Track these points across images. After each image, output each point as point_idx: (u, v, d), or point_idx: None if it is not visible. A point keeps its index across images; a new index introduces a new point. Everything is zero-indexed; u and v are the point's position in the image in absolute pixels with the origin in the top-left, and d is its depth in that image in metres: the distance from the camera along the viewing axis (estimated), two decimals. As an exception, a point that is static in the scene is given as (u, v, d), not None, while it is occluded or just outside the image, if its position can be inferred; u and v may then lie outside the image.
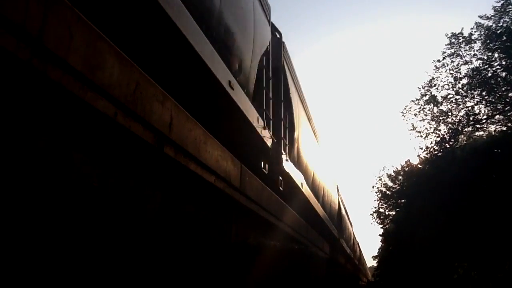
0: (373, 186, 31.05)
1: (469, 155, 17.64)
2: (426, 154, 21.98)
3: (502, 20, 19.02)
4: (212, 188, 3.51)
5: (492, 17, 19.34)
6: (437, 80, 21.41)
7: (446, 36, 20.80)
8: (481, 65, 19.80)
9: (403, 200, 25.19)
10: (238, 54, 4.52)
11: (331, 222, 14.31)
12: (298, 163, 7.96)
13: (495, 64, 19.26)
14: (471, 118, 20.85)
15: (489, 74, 19.58)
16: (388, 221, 31.18)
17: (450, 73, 20.93)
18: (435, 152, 21.32)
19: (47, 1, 1.62)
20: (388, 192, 29.41)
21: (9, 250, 1.63)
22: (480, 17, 19.73)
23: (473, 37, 20.06)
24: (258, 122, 5.05)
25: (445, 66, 21.02)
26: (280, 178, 6.39)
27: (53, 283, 1.84)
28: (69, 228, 1.96)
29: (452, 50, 20.72)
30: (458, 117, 21.19)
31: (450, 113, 21.34)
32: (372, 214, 32.35)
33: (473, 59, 20.15)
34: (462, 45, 20.44)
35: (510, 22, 18.75)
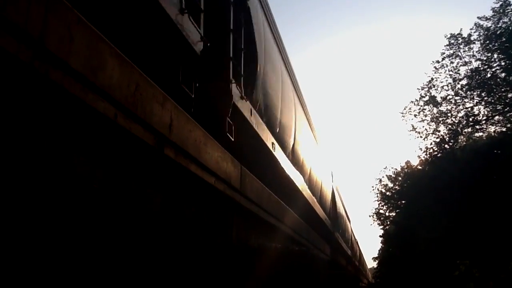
0: (372, 187, 31.08)
1: (469, 156, 17.65)
2: (426, 155, 22.01)
3: (501, 21, 19.07)
4: (212, 190, 3.52)
5: (491, 18, 19.40)
6: (437, 81, 21.47)
7: (445, 37, 20.86)
8: (480, 66, 19.84)
9: (403, 201, 25.19)
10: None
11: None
12: (265, 115, 5.57)
13: (494, 65, 19.33)
14: (470, 119, 20.89)
15: (489, 75, 19.64)
16: (388, 222, 31.19)
17: (450, 74, 21.01)
18: (435, 153, 21.34)
19: (48, 2, 1.63)
20: (388, 193, 29.43)
21: (10, 252, 1.63)
22: (479, 18, 19.81)
23: (472, 38, 20.16)
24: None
25: (444, 67, 21.09)
26: (229, 120, 4.03)
27: (54, 285, 1.85)
28: (70, 229, 1.97)
29: (451, 51, 20.80)
30: (458, 118, 21.24)
31: (449, 114, 21.37)
32: (372, 216, 32.37)
33: (472, 60, 20.23)
34: (461, 46, 20.52)
35: (509, 23, 18.79)
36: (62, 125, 1.93)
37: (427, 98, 21.79)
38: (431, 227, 17.91)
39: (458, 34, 20.55)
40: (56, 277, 1.85)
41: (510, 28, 18.49)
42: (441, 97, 21.43)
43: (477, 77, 19.96)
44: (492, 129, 21.06)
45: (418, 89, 22.26)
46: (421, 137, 22.33)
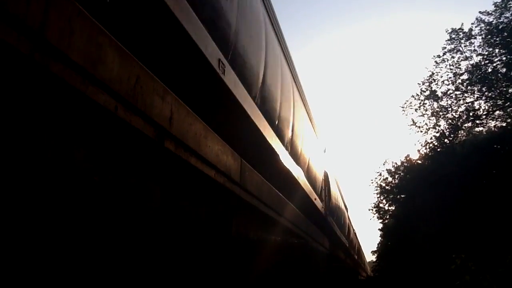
0: (372, 181, 31.12)
1: (469, 150, 17.67)
2: (426, 149, 22.04)
3: (503, 16, 19.00)
4: (212, 183, 3.53)
5: (493, 13, 19.32)
6: (437, 76, 21.44)
7: (446, 31, 20.79)
8: (481, 61, 19.79)
9: (402, 195, 25.24)
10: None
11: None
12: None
13: (496, 59, 19.27)
14: (471, 114, 20.88)
15: (489, 70, 19.59)
16: (388, 216, 31.26)
17: (450, 69, 20.96)
18: (435, 148, 21.36)
19: None
20: (387, 187, 29.47)
21: (9, 243, 1.64)
22: (481, 12, 19.73)
23: (473, 33, 20.08)
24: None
25: (445, 62, 21.04)
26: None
27: (53, 275, 1.86)
28: (71, 221, 1.98)
29: (452, 46, 20.75)
30: (458, 113, 21.23)
31: (450, 109, 21.36)
32: (371, 209, 32.45)
33: (473, 55, 20.18)
34: (462, 41, 20.45)
35: (511, 17, 18.72)
36: (63, 117, 1.93)
37: (427, 92, 21.76)
38: (430, 221, 17.97)
39: (459, 28, 20.49)
40: (56, 267, 1.87)
41: (512, 22, 18.43)
42: (441, 92, 21.42)
43: (478, 72, 19.91)
44: (492, 124, 21.07)
45: (418, 83, 22.24)
46: (421, 131, 22.35)
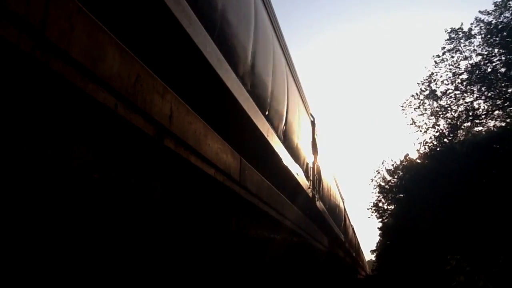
0: (371, 180, 31.18)
1: (468, 150, 17.68)
2: (425, 148, 22.05)
3: (502, 16, 19.01)
4: (212, 181, 3.53)
5: (493, 12, 19.32)
6: (437, 75, 21.45)
7: (445, 31, 20.80)
8: (480, 61, 19.80)
9: (402, 195, 25.26)
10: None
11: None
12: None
13: (495, 59, 19.28)
14: (470, 114, 20.88)
15: (489, 70, 19.59)
16: (387, 215, 31.32)
17: (450, 69, 20.96)
18: (434, 147, 21.38)
19: None
20: (387, 186, 29.52)
21: (9, 238, 1.64)
22: (481, 12, 19.73)
23: (473, 32, 20.08)
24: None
25: (445, 62, 21.04)
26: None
27: (52, 271, 1.86)
28: (71, 219, 1.98)
29: (452, 46, 20.75)
30: (457, 112, 21.24)
31: (449, 108, 21.37)
32: (370, 208, 32.50)
33: (473, 55, 20.18)
34: (462, 41, 20.45)
35: (510, 17, 18.73)
36: (63, 115, 1.94)
37: (427, 92, 21.78)
38: (429, 221, 17.98)
39: (458, 28, 20.49)
40: (55, 263, 1.87)
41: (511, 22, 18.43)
42: (441, 92, 21.44)
43: (477, 71, 19.92)
44: (491, 123, 21.08)
45: (418, 83, 22.26)
46: (420, 131, 22.38)
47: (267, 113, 5.60)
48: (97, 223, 2.18)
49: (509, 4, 18.79)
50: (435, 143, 21.56)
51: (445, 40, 20.90)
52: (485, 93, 20.14)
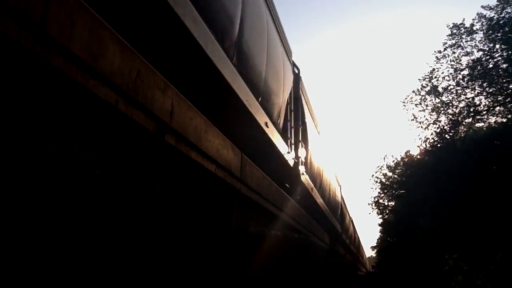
0: (372, 175, 31.19)
1: (470, 146, 17.66)
2: (426, 145, 22.03)
3: (504, 11, 18.92)
4: (213, 177, 3.53)
5: (495, 8, 19.24)
6: (438, 71, 21.39)
7: (447, 26, 20.72)
8: (482, 56, 19.73)
9: (402, 191, 25.25)
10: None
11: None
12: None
13: (497, 55, 19.19)
14: (471, 110, 20.83)
15: (490, 66, 19.52)
16: (388, 212, 31.33)
17: (451, 64, 20.89)
18: (435, 143, 21.35)
19: None
20: (387, 183, 29.51)
21: (12, 234, 1.65)
22: (483, 7, 19.63)
23: (474, 28, 19.99)
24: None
25: (446, 57, 20.97)
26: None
27: (54, 266, 1.87)
28: (73, 214, 1.98)
29: (453, 41, 20.68)
30: (459, 108, 21.18)
31: (450, 104, 21.32)
32: (371, 204, 32.52)
33: (474, 50, 20.10)
34: (464, 36, 20.37)
35: (512, 13, 18.64)
36: (64, 111, 1.94)
37: (428, 88, 21.72)
38: (430, 217, 17.99)
39: (460, 24, 20.42)
40: (57, 259, 1.88)
41: (514, 18, 18.36)
42: (442, 88, 21.38)
43: (478, 67, 19.85)
44: (492, 120, 21.03)
45: (419, 79, 22.20)
46: (421, 127, 22.34)
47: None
48: (98, 218, 2.18)
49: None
50: (436, 139, 21.53)
51: (447, 36, 20.83)
52: (487, 89, 20.07)
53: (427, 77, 21.73)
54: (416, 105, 22.36)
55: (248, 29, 4.64)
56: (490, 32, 19.12)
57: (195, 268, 3.38)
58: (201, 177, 3.45)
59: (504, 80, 19.49)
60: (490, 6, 19.41)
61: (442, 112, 21.62)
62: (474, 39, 20.07)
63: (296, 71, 8.48)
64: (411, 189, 21.88)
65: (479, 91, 20.41)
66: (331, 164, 15.24)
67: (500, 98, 20.18)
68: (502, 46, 18.68)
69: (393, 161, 29.48)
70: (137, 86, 2.27)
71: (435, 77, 21.47)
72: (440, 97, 21.44)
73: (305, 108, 8.92)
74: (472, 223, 15.25)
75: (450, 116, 21.35)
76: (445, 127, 21.36)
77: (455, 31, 20.51)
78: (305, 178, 8.52)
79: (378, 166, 30.76)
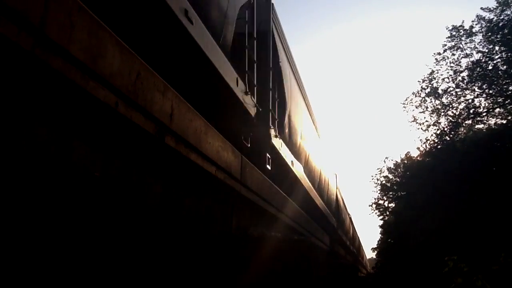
0: (372, 177, 31.22)
1: (470, 147, 17.67)
2: (426, 146, 22.06)
3: (503, 13, 18.96)
4: (212, 179, 3.53)
5: (494, 10, 19.28)
6: (437, 73, 21.43)
7: (446, 29, 20.76)
8: (481, 58, 19.77)
9: (403, 192, 25.25)
10: None
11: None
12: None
13: (496, 57, 19.25)
14: (471, 111, 20.86)
15: (490, 67, 19.56)
16: (388, 213, 31.33)
17: (451, 66, 20.93)
18: (435, 145, 21.38)
19: None
20: (388, 184, 29.53)
21: (11, 235, 1.64)
22: (482, 9, 19.68)
23: (474, 30, 20.04)
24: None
25: (446, 59, 21.02)
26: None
27: (53, 266, 1.86)
28: (72, 216, 1.97)
29: (453, 43, 20.72)
30: (458, 110, 21.22)
31: (450, 106, 21.35)
32: (371, 205, 32.53)
33: (474, 52, 20.15)
34: (463, 38, 20.41)
35: (511, 15, 18.68)
36: (63, 113, 1.93)
37: (428, 90, 21.76)
38: (430, 218, 17.98)
39: (459, 26, 20.46)
40: (56, 260, 1.87)
41: (513, 20, 18.39)
42: (442, 89, 21.42)
43: (478, 69, 19.89)
44: (492, 121, 21.06)
45: (419, 81, 22.25)
46: (422, 128, 22.37)
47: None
48: (98, 220, 2.18)
49: (511, 1, 18.73)
50: (436, 140, 21.57)
51: (446, 38, 20.88)
52: (486, 90, 20.10)
53: (427, 79, 21.78)
54: (416, 107, 22.41)
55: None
56: (489, 34, 19.17)
57: (195, 270, 3.37)
58: (201, 179, 3.45)
59: (504, 82, 19.52)
60: (489, 8, 19.46)
61: (442, 113, 21.66)
62: (474, 41, 20.13)
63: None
64: (411, 190, 21.88)
65: (478, 93, 20.46)
66: (324, 149, 12.92)
67: (499, 99, 20.21)
68: (502, 48, 18.73)
69: (394, 163, 29.52)
70: (136, 88, 2.26)
71: (435, 77, 21.52)
72: (440, 99, 21.47)
73: (279, 47, 6.63)
74: (472, 224, 15.24)
75: (450, 118, 21.38)
76: (445, 129, 21.40)
77: (454, 33, 20.56)
78: (279, 143, 6.11)
79: (378, 169, 30.79)
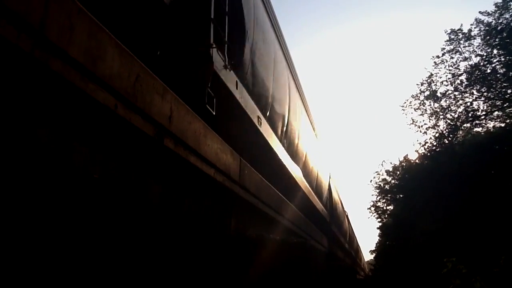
0: (370, 180, 31.28)
1: (468, 150, 17.71)
2: (425, 149, 22.10)
3: (502, 17, 19.04)
4: (211, 181, 3.53)
5: (493, 14, 19.35)
6: (436, 76, 21.50)
7: (445, 32, 20.84)
8: (480, 62, 19.83)
9: (401, 195, 25.28)
10: None
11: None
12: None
13: (494, 60, 19.32)
14: (470, 114, 20.91)
15: (488, 71, 19.62)
16: (386, 216, 31.36)
17: (449, 70, 21.00)
18: (433, 147, 21.43)
19: None
20: (386, 187, 29.56)
21: (10, 238, 1.64)
22: (481, 13, 19.76)
23: (472, 34, 20.11)
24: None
25: (444, 63, 21.08)
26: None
27: (51, 269, 1.86)
28: (71, 219, 1.97)
29: (452, 47, 20.80)
30: (457, 113, 21.27)
31: (449, 109, 21.41)
32: (369, 208, 32.57)
33: (472, 56, 20.22)
34: (462, 42, 20.49)
35: (510, 18, 18.75)
36: (62, 115, 1.93)
37: (427, 93, 21.83)
38: (428, 221, 18.00)
39: (458, 29, 20.54)
40: (54, 263, 1.87)
41: (511, 23, 18.45)
42: (440, 93, 21.48)
43: (476, 72, 19.96)
44: (491, 124, 21.13)
45: (417, 84, 22.31)
46: (420, 131, 22.42)
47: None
48: (96, 222, 2.17)
49: (510, 5, 18.80)
50: (435, 143, 21.62)
51: (445, 41, 20.97)
52: (485, 94, 20.17)
53: (426, 82, 21.85)
54: (415, 109, 22.47)
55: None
56: (488, 37, 19.24)
57: (194, 272, 3.37)
58: (200, 181, 3.45)
59: (502, 85, 19.59)
60: (488, 12, 19.53)
61: (441, 116, 21.71)
62: (472, 44, 20.22)
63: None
64: (410, 193, 21.91)
65: (477, 96, 20.53)
66: (322, 150, 11.85)
67: (498, 102, 20.27)
68: (500, 52, 18.79)
69: (392, 166, 29.55)
70: (136, 90, 2.27)
71: (433, 81, 21.58)
72: (438, 102, 21.53)
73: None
74: (470, 227, 15.25)
75: (449, 121, 21.44)
76: (444, 132, 21.45)
77: (453, 36, 20.64)
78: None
79: (376, 172, 30.84)
